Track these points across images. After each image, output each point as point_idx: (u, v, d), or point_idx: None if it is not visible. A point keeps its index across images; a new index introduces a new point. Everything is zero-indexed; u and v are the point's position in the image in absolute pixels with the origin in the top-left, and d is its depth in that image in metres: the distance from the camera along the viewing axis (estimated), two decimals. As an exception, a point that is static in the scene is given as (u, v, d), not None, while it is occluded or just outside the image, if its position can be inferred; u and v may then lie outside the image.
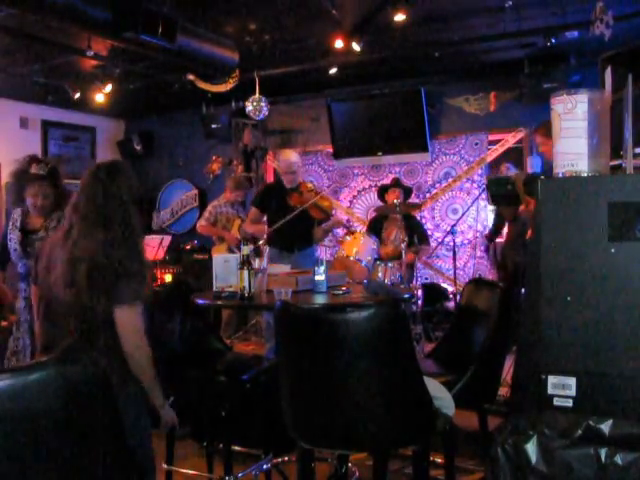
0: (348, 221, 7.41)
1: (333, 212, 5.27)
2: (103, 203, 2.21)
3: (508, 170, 5.75)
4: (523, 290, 3.48)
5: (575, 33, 5.30)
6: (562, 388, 1.70)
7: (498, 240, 6.26)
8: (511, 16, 5.10)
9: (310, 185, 5.08)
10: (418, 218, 6.67)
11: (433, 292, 6.49)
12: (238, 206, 6.62)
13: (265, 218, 5.17)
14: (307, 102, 7.79)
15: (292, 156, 4.99)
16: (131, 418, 2.16)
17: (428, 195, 7.29)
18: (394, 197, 5.97)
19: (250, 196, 7.06)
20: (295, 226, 4.62)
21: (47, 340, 2.35)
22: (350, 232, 5.37)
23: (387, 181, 6.84)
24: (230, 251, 5.97)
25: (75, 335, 2.18)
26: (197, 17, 5.13)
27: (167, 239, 7.46)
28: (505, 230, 6.00)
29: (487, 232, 6.44)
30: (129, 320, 2.17)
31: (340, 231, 7.35)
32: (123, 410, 2.11)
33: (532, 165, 5.93)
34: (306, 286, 3.31)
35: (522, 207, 4.25)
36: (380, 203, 6.38)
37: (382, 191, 6.34)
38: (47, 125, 8.38)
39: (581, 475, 1.51)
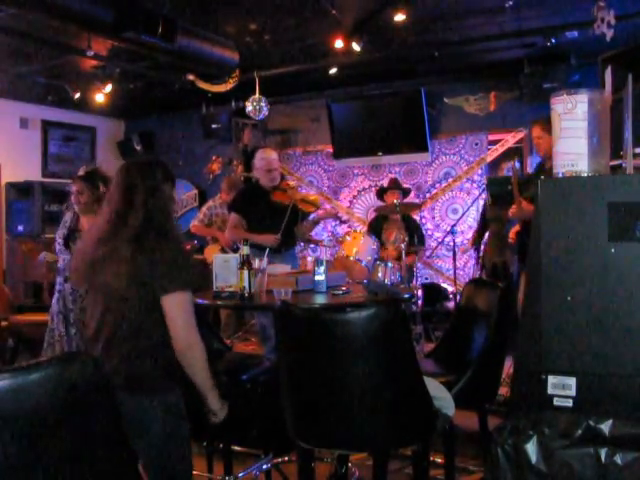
0: (348, 220, 7.39)
1: (321, 204, 5.17)
2: (138, 195, 2.17)
3: (515, 169, 5.73)
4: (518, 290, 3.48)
5: (575, 33, 5.30)
6: (562, 388, 1.70)
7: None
8: (511, 16, 5.09)
9: (291, 182, 5.00)
10: (417, 219, 6.67)
11: (433, 292, 6.49)
12: None
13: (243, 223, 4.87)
14: (307, 102, 7.78)
15: (272, 153, 4.79)
16: (170, 426, 2.13)
17: (428, 195, 7.29)
18: (393, 198, 5.98)
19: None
20: (286, 228, 4.50)
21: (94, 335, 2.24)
22: (342, 222, 5.30)
23: (387, 181, 6.84)
24: (223, 252, 5.95)
25: (118, 333, 2.12)
26: (197, 17, 5.13)
27: (167, 239, 7.45)
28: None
29: (471, 238, 6.32)
30: (180, 308, 2.10)
31: (340, 231, 7.34)
32: (163, 418, 2.09)
33: (532, 165, 5.92)
34: (306, 286, 3.31)
35: (513, 208, 4.19)
36: (380, 203, 6.39)
37: (381, 192, 6.35)
38: (47, 125, 8.38)
39: (581, 475, 1.51)
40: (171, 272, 2.09)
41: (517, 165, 5.74)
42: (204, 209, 6.62)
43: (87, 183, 3.89)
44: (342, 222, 5.24)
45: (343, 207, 7.74)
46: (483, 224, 6.00)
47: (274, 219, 4.51)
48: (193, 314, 2.15)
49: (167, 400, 2.14)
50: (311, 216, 4.93)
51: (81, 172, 3.95)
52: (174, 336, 2.10)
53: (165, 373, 2.14)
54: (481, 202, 6.25)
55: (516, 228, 4.51)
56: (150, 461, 2.09)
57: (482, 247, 5.97)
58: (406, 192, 6.31)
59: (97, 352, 2.13)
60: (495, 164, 7.22)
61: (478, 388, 2.82)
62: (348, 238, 5.30)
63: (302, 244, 6.40)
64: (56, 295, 4.11)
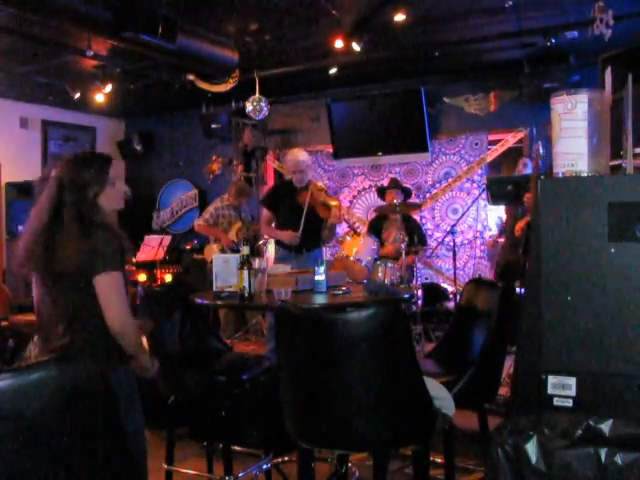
0: (352, 222, 7.39)
1: (338, 212, 5.17)
2: (69, 187, 2.26)
3: (525, 167, 5.74)
4: (520, 289, 3.49)
5: (575, 33, 5.30)
6: (562, 388, 1.70)
7: (500, 240, 6.28)
8: (511, 16, 5.09)
9: (320, 184, 5.03)
10: (417, 219, 6.67)
11: (433, 292, 6.49)
12: (241, 208, 6.58)
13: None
14: (307, 102, 7.79)
15: (300, 155, 4.88)
16: (124, 402, 2.15)
17: (428, 195, 7.29)
18: (392, 198, 5.99)
19: (253, 201, 7.06)
20: (305, 226, 4.59)
21: (40, 331, 2.36)
22: (353, 230, 5.31)
23: (387, 181, 6.84)
24: (223, 252, 5.96)
25: (55, 318, 2.21)
26: (197, 17, 5.13)
27: (167, 239, 7.46)
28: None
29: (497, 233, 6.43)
30: (110, 288, 2.17)
31: (340, 231, 7.35)
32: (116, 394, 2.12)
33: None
34: (306, 286, 3.31)
35: (529, 194, 4.22)
36: (380, 203, 6.39)
37: (381, 192, 6.36)
38: (47, 125, 8.38)
39: (581, 475, 1.51)
40: (99, 255, 2.16)
41: (528, 163, 5.72)
42: (211, 209, 6.59)
43: None
44: (354, 230, 5.28)
45: (343, 207, 7.75)
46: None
47: (295, 218, 4.62)
48: (125, 293, 2.23)
49: (118, 377, 2.18)
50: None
51: None
52: (108, 319, 2.17)
53: (115, 350, 2.21)
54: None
55: (522, 223, 4.53)
56: None
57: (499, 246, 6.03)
58: (407, 192, 6.30)
59: (55, 336, 2.21)
60: (495, 164, 7.23)
61: (478, 388, 2.82)
62: (348, 238, 5.30)
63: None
64: None
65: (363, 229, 6.46)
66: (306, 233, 4.62)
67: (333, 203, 4.83)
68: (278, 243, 4.86)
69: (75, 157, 2.38)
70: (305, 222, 4.59)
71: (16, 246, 2.42)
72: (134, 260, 7.05)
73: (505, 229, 6.12)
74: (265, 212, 4.97)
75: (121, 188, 2.62)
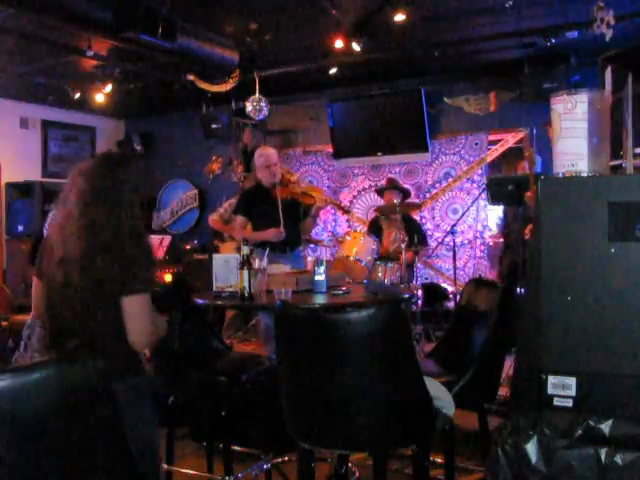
0: (349, 209, 7.37)
1: (323, 196, 5.10)
2: (110, 191, 2.13)
3: (524, 170, 5.74)
4: (521, 289, 3.49)
5: (575, 33, 5.30)
6: (562, 388, 1.70)
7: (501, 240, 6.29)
8: (511, 16, 5.10)
9: (294, 176, 4.99)
10: (417, 219, 6.67)
11: (433, 292, 6.48)
12: None
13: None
14: (307, 102, 7.79)
15: (270, 149, 4.83)
16: (137, 413, 2.12)
17: (428, 195, 7.29)
18: (390, 198, 6.00)
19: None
20: (286, 223, 4.47)
21: (51, 338, 2.25)
22: (344, 211, 5.25)
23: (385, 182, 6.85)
24: (238, 251, 5.91)
25: (76, 328, 2.12)
26: (197, 17, 5.13)
27: (167, 239, 7.46)
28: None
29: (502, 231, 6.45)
30: (140, 310, 2.10)
31: (340, 230, 7.34)
32: (127, 404, 2.10)
33: (536, 164, 5.91)
34: (306, 286, 3.31)
35: (530, 192, 4.23)
36: (380, 203, 6.39)
37: (380, 193, 6.37)
38: (47, 125, 8.38)
39: (581, 475, 1.51)
40: (132, 274, 2.08)
41: (533, 150, 5.73)
42: (226, 205, 6.50)
43: None
44: (344, 211, 5.18)
45: (333, 199, 7.74)
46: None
47: (276, 216, 4.50)
48: (151, 312, 2.16)
49: (138, 384, 2.15)
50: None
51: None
52: (129, 331, 2.10)
53: (133, 358, 2.17)
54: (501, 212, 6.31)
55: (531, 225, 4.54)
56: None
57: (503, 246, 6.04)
58: (405, 192, 6.29)
59: (70, 336, 2.15)
60: (495, 164, 7.23)
61: (478, 388, 2.82)
62: (348, 238, 5.30)
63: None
64: None
65: (363, 228, 6.47)
66: (287, 230, 4.48)
67: (313, 189, 4.77)
68: (257, 244, 4.67)
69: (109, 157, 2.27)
70: (284, 218, 4.46)
71: (45, 246, 2.25)
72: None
73: (507, 229, 6.12)
74: (239, 219, 4.77)
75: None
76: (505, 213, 6.18)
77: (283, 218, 4.46)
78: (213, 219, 6.50)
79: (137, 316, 2.10)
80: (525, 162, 5.78)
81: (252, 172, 6.77)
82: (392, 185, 6.27)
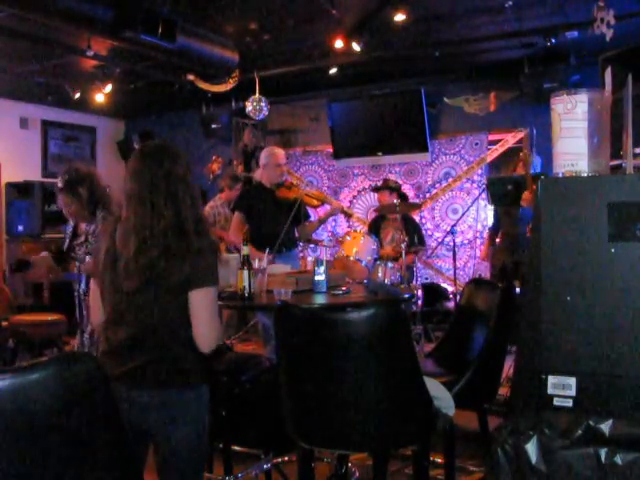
0: (351, 213, 7.38)
1: (325, 199, 5.14)
2: (163, 181, 2.03)
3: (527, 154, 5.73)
4: (519, 289, 3.50)
5: (575, 33, 5.31)
6: (562, 388, 1.70)
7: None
8: (511, 16, 5.10)
9: (292, 180, 5.01)
10: (417, 219, 6.66)
11: (433, 292, 6.48)
12: None
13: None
14: (307, 102, 7.79)
15: (280, 149, 4.86)
16: (203, 420, 2.10)
17: (428, 195, 7.30)
18: (384, 199, 6.01)
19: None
20: (285, 225, 4.43)
21: (114, 341, 2.10)
22: (348, 215, 5.26)
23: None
24: (228, 251, 5.94)
25: (140, 329, 2.02)
26: (197, 17, 5.13)
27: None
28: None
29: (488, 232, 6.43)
30: (207, 303, 2.02)
31: (340, 230, 7.34)
32: (198, 411, 2.07)
33: (534, 165, 5.90)
34: (306, 286, 3.30)
35: (527, 194, 4.23)
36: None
37: (376, 192, 6.40)
38: (47, 125, 8.39)
39: (581, 475, 1.51)
40: (200, 265, 2.00)
41: (529, 152, 5.74)
42: (207, 209, 6.60)
43: (69, 194, 3.58)
44: (348, 216, 5.19)
45: (345, 206, 7.75)
46: (495, 228, 6.07)
47: (279, 217, 4.50)
48: (217, 307, 2.09)
49: (201, 393, 2.10)
50: (313, 216, 4.95)
51: (60, 184, 3.61)
52: (196, 326, 2.02)
53: (200, 366, 2.10)
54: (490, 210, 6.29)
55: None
56: (178, 454, 2.07)
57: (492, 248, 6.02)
58: (399, 192, 6.26)
59: (127, 349, 2.05)
60: (495, 164, 7.23)
61: (478, 388, 2.82)
62: (348, 238, 5.29)
63: (301, 244, 6.39)
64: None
65: (363, 228, 6.46)
66: (285, 231, 4.41)
67: (315, 192, 4.79)
68: (253, 244, 4.57)
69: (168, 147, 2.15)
70: (286, 218, 4.41)
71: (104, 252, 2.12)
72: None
73: (498, 229, 6.11)
74: (237, 216, 4.70)
75: None
76: (496, 213, 6.15)
77: (282, 223, 4.46)
78: None
79: (207, 309, 2.03)
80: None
81: (229, 173, 6.78)
82: (384, 185, 6.28)
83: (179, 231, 2.01)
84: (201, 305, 2.02)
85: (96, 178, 3.57)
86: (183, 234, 2.01)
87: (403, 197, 6.30)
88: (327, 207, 5.15)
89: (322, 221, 4.97)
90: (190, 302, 2.01)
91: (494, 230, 6.15)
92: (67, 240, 3.88)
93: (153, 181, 2.04)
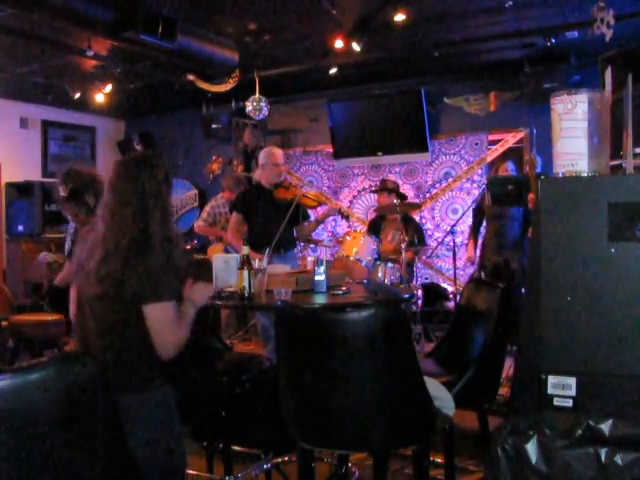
0: (349, 214, 7.38)
1: (323, 200, 5.16)
2: (135, 196, 2.10)
3: (507, 172, 5.73)
4: (523, 290, 3.49)
5: (575, 33, 5.31)
6: (562, 388, 1.70)
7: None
8: (511, 16, 5.10)
9: (290, 180, 5.01)
10: (417, 219, 6.66)
11: (433, 292, 6.48)
12: None
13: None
14: (307, 102, 7.79)
15: (278, 149, 4.87)
16: (161, 422, 2.11)
17: (428, 195, 7.30)
18: (382, 200, 6.02)
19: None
20: (283, 225, 4.43)
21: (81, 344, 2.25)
22: (345, 217, 5.27)
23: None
24: (227, 251, 5.95)
25: (97, 335, 2.10)
26: (197, 17, 5.13)
27: (167, 239, 7.45)
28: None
29: (467, 248, 6.36)
30: (161, 317, 2.06)
31: (340, 230, 7.34)
32: (152, 413, 2.08)
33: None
34: (306, 286, 3.30)
35: (532, 195, 4.23)
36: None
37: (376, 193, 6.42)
38: (47, 125, 8.39)
39: (581, 475, 1.51)
40: (159, 284, 2.05)
41: (511, 167, 5.74)
42: (207, 208, 6.63)
43: (76, 203, 3.51)
44: (345, 217, 5.18)
45: (343, 207, 7.75)
46: (477, 225, 6.06)
47: (277, 217, 4.48)
48: (176, 320, 2.11)
49: (157, 397, 2.13)
50: (312, 216, 4.94)
51: (63, 192, 3.52)
52: (155, 337, 2.07)
53: (154, 372, 2.13)
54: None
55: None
56: (142, 457, 2.08)
57: (479, 247, 6.01)
58: (398, 192, 6.26)
59: (97, 349, 2.13)
60: (495, 164, 7.22)
61: (478, 388, 2.82)
62: (348, 238, 5.30)
63: (301, 244, 6.39)
64: None
65: (363, 228, 6.46)
66: (283, 231, 4.40)
67: (313, 193, 4.78)
68: (251, 244, 4.53)
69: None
70: (283, 219, 4.40)
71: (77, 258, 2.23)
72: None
73: (479, 229, 6.10)
74: (235, 217, 4.70)
75: None
76: (475, 214, 6.12)
77: (288, 218, 4.46)
78: (198, 225, 6.56)
79: (161, 322, 2.07)
80: (507, 163, 5.79)
81: (232, 175, 6.79)
82: (382, 187, 6.29)
83: (143, 247, 2.06)
84: (156, 319, 2.07)
85: (98, 181, 3.56)
86: (146, 250, 2.06)
87: (402, 197, 6.29)
88: (325, 207, 5.16)
89: (319, 222, 4.97)
90: (145, 315, 2.06)
91: (475, 230, 6.13)
92: (69, 240, 3.89)
93: (125, 196, 2.11)
